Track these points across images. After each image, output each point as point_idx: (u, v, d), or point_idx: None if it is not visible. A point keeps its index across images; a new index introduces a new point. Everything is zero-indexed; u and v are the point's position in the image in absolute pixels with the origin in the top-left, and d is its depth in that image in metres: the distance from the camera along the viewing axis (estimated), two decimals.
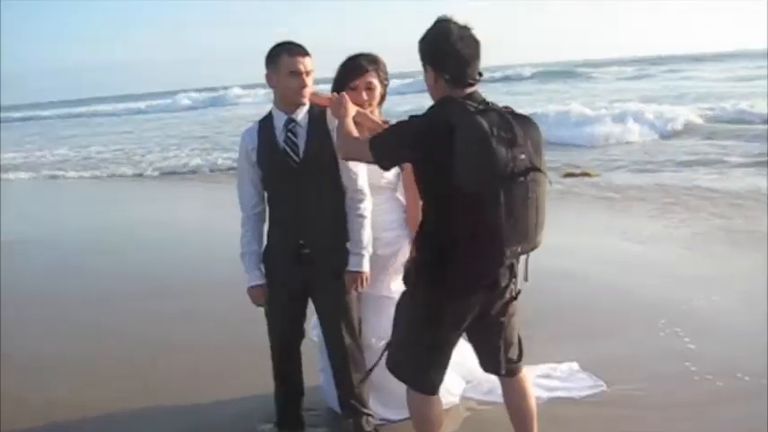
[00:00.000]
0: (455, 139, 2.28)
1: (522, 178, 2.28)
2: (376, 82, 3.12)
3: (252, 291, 3.04)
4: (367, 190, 2.98)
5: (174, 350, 4.48)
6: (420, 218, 3.14)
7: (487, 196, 2.26)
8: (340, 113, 2.78)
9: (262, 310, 3.10)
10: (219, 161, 14.75)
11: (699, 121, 15.23)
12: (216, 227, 6.73)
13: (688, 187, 8.97)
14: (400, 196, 3.24)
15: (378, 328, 3.17)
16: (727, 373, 3.64)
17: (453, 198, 2.31)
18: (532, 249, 2.41)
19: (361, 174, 2.96)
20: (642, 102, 17.29)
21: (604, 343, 4.15)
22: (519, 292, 2.57)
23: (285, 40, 2.89)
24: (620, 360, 3.89)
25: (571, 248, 5.98)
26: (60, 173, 15.95)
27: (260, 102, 32.88)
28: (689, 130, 14.59)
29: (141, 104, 46.37)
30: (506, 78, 39.13)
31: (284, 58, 2.83)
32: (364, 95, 3.08)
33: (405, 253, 3.18)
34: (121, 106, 46.04)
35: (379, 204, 3.10)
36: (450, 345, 2.60)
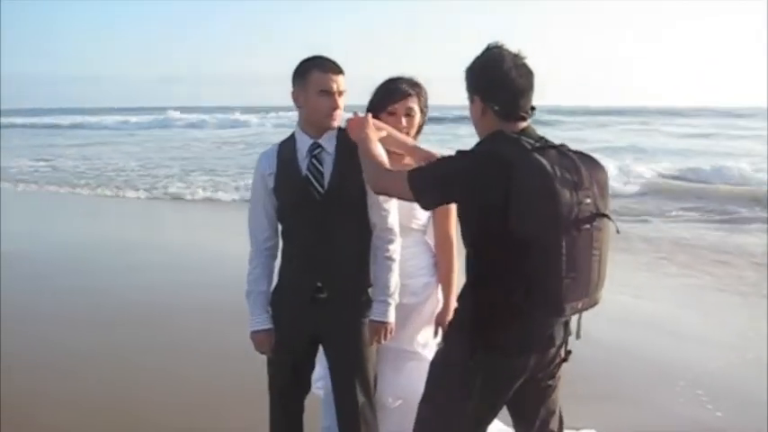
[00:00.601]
0: (512, 179, 1.98)
1: (587, 225, 1.98)
2: (417, 108, 2.80)
3: (256, 336, 2.65)
4: (397, 230, 2.62)
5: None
6: (449, 265, 2.84)
7: (548, 245, 1.95)
8: (361, 137, 2.44)
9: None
10: None
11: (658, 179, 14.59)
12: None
13: (670, 239, 8.86)
14: (429, 240, 2.90)
15: (395, 386, 2.80)
16: None
17: (507, 246, 1.99)
18: (593, 306, 2.09)
19: (393, 211, 2.61)
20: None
21: (623, 409, 3.82)
22: (569, 353, 2.25)
23: (317, 55, 2.55)
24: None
25: None
26: None
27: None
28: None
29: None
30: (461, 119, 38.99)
31: (315, 74, 2.49)
32: (403, 122, 2.76)
33: (432, 303, 2.84)
34: None
35: (408, 248, 2.75)
36: (493, 416, 2.25)
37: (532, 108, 2.20)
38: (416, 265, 2.80)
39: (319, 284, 2.55)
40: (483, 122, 2.21)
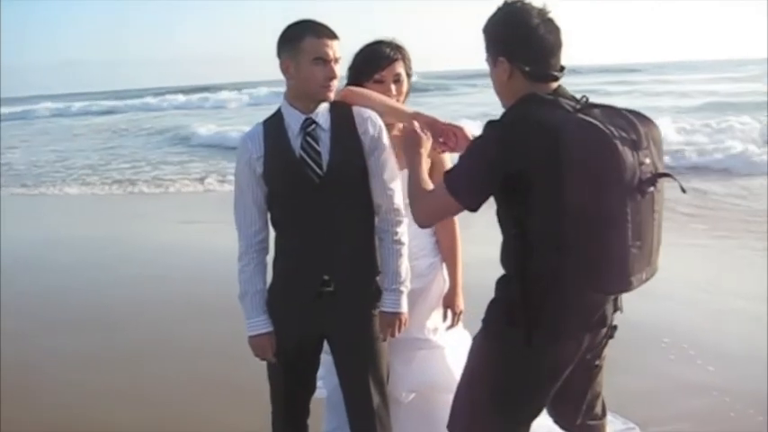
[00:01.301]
0: (562, 145, 1.75)
1: (650, 188, 1.78)
2: (404, 73, 2.54)
3: (257, 341, 2.35)
4: (404, 210, 2.38)
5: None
6: (452, 241, 2.62)
7: (613, 214, 1.74)
8: (413, 157, 2.20)
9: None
10: None
11: None
12: None
13: None
14: None
15: (407, 379, 2.58)
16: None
17: (562, 221, 1.78)
18: (654, 274, 1.90)
19: (398, 189, 2.36)
20: None
21: (616, 375, 3.72)
22: (615, 328, 2.08)
23: (307, 19, 2.24)
24: (641, 395, 3.48)
25: None
26: None
27: None
28: None
29: None
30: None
31: (309, 40, 2.18)
32: (393, 89, 2.50)
33: (439, 284, 2.62)
34: None
35: (408, 227, 2.50)
36: (543, 406, 2.07)
37: (562, 67, 1.98)
38: (419, 245, 2.57)
39: (326, 277, 2.28)
40: (510, 86, 1.97)
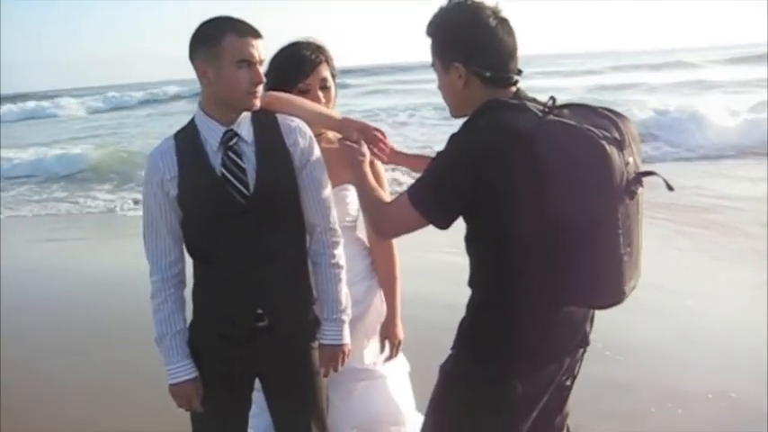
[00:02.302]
0: (544, 152, 1.59)
1: (638, 189, 1.64)
2: (330, 77, 2.30)
3: (180, 389, 2.02)
4: (339, 230, 2.13)
5: None
6: (390, 264, 2.40)
7: (603, 221, 1.61)
8: (359, 172, 2.01)
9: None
10: None
11: None
12: None
13: None
14: (360, 235, 2.43)
15: (348, 414, 2.36)
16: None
17: (550, 232, 1.62)
18: (638, 280, 1.76)
19: (333, 207, 2.11)
20: None
21: None
22: (588, 344, 1.94)
23: (225, 15, 1.94)
24: None
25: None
26: None
27: None
28: None
29: None
30: None
31: (231, 39, 1.88)
32: (321, 97, 2.24)
33: (376, 310, 2.40)
34: None
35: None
36: None
37: (519, 70, 1.83)
38: (354, 268, 2.31)
39: (260, 311, 2.00)
40: (467, 94, 1.79)
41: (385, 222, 1.90)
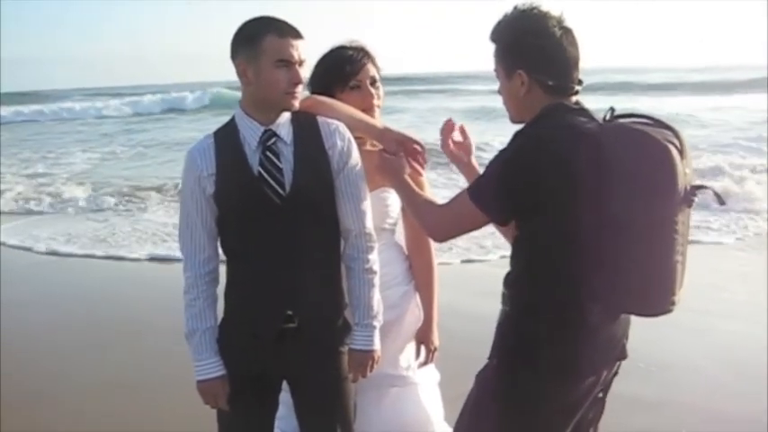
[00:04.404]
0: (609, 154, 1.62)
1: (695, 198, 1.66)
2: (377, 75, 2.30)
3: (207, 386, 2.02)
4: (375, 234, 2.11)
5: None
6: (428, 268, 2.38)
7: (664, 226, 1.63)
8: (399, 183, 2.03)
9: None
10: None
11: None
12: None
13: None
14: (399, 240, 2.41)
15: (378, 422, 2.32)
16: None
17: (603, 236, 1.63)
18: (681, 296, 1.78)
19: (369, 211, 2.09)
20: None
21: None
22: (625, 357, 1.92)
23: (266, 15, 1.94)
24: None
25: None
26: None
27: None
28: None
29: None
30: None
31: (270, 39, 1.88)
32: (373, 93, 2.25)
33: (412, 315, 2.37)
34: None
35: (380, 252, 2.20)
36: None
37: (580, 81, 1.82)
38: (391, 272, 2.29)
39: (289, 312, 1.99)
40: (528, 101, 1.79)
41: (441, 222, 1.90)
